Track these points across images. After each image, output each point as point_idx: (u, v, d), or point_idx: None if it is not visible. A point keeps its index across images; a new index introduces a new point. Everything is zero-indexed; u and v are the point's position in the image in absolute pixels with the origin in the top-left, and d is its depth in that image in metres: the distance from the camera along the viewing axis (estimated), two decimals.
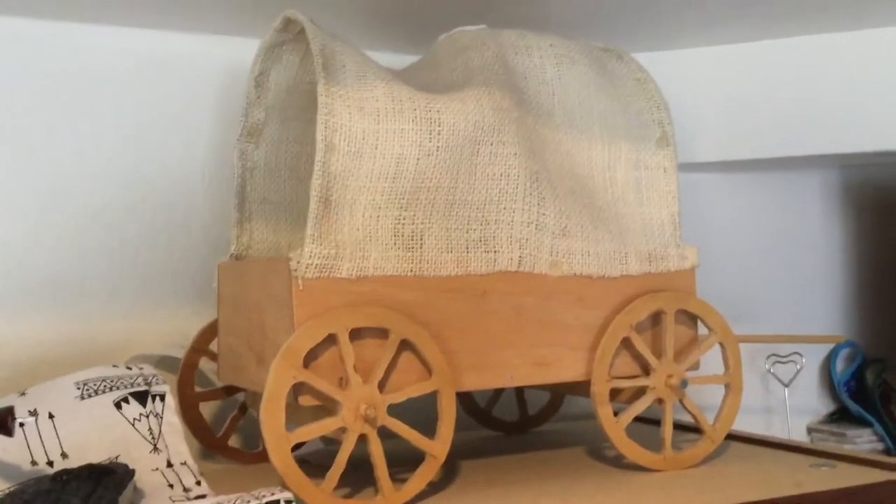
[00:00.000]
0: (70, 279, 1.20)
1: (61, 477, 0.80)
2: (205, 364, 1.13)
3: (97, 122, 1.22)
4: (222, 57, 1.27)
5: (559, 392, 1.29)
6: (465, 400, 1.29)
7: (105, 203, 1.22)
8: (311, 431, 0.86)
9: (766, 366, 1.54)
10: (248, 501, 0.75)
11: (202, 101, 1.27)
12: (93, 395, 0.95)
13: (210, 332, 1.11)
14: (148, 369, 1.01)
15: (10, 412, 0.81)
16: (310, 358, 0.86)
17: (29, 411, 0.90)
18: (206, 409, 1.13)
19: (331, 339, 0.87)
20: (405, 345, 0.90)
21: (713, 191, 1.56)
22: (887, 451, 1.57)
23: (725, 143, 1.47)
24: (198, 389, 1.12)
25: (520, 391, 1.31)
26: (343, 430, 0.87)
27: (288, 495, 0.76)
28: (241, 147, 1.08)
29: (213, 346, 1.11)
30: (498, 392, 1.31)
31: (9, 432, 0.81)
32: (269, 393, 0.84)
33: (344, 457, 0.87)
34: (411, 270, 0.92)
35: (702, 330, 1.07)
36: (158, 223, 1.25)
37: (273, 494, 0.76)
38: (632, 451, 1.02)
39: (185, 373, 1.10)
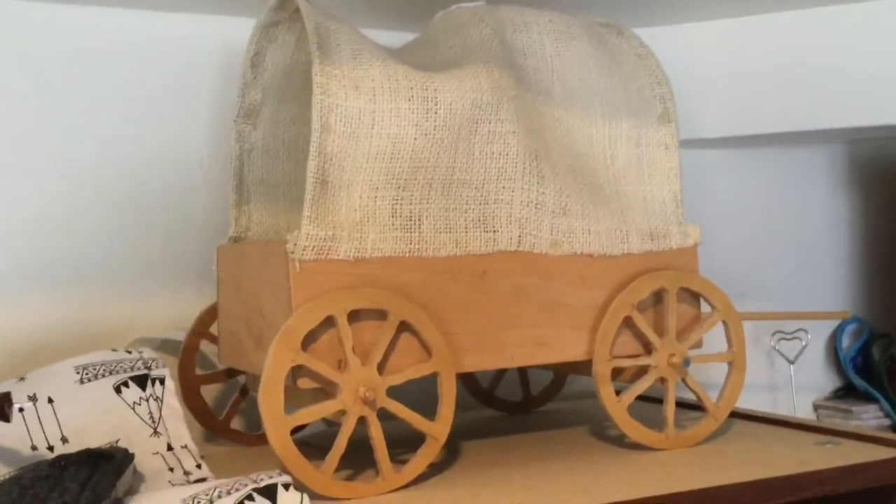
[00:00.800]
0: (69, 263, 1.19)
1: (59, 462, 0.80)
2: (206, 347, 1.12)
3: (93, 105, 1.21)
4: (218, 37, 1.26)
5: (562, 372, 1.28)
6: (468, 380, 1.29)
7: (103, 186, 1.21)
8: (310, 414, 0.86)
9: (772, 343, 1.53)
10: (246, 485, 0.74)
11: (198, 82, 1.26)
12: (92, 379, 0.95)
13: (210, 314, 1.11)
14: (148, 353, 1.01)
15: (7, 398, 0.81)
16: (308, 340, 0.86)
17: (28, 396, 0.90)
18: (208, 392, 1.13)
19: (329, 322, 0.86)
20: (404, 326, 0.89)
21: (717, 167, 1.55)
22: (893, 427, 1.56)
23: (729, 119, 1.45)
24: (199, 372, 1.11)
25: (523, 371, 1.30)
26: (342, 412, 0.86)
27: (286, 479, 0.76)
28: (238, 128, 1.07)
29: (214, 329, 1.10)
30: (501, 372, 1.31)
31: (6, 418, 0.81)
32: (268, 376, 0.83)
33: (343, 439, 0.86)
34: (410, 251, 0.92)
35: (705, 308, 1.06)
36: (157, 206, 1.24)
37: (271, 478, 0.76)
38: (634, 430, 1.01)
39: (186, 356, 1.10)
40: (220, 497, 0.73)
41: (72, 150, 1.20)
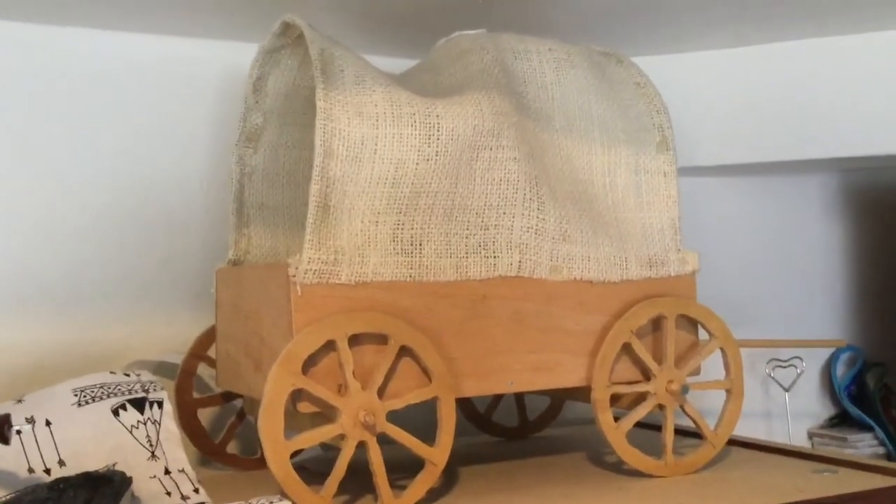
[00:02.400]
0: (67, 285, 1.19)
1: (58, 485, 0.79)
2: (203, 370, 1.12)
3: (95, 127, 1.22)
4: (220, 61, 1.27)
5: (559, 397, 1.28)
6: (465, 405, 1.29)
7: (102, 208, 1.21)
8: (310, 438, 0.85)
9: (767, 370, 1.54)
10: None
11: (200, 105, 1.27)
12: (90, 402, 0.94)
13: (208, 337, 1.11)
14: (146, 376, 1.00)
15: (6, 420, 0.81)
16: (308, 364, 0.86)
17: (26, 418, 0.90)
18: (205, 416, 1.13)
19: (329, 346, 0.86)
20: (404, 351, 0.89)
21: (713, 195, 1.56)
22: (888, 456, 1.56)
23: (725, 147, 1.47)
24: (196, 395, 1.11)
25: (520, 396, 1.30)
26: (342, 436, 0.86)
27: (286, 503, 0.76)
28: (239, 152, 1.08)
29: (212, 352, 1.10)
30: (498, 397, 1.31)
31: (5, 440, 0.80)
32: (268, 399, 0.83)
33: (343, 464, 0.86)
34: (410, 276, 0.92)
35: (702, 335, 1.06)
36: (156, 228, 1.24)
37: (271, 502, 0.75)
38: (633, 456, 1.01)
39: (183, 379, 1.10)
40: None
41: (72, 170, 1.20)
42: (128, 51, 1.23)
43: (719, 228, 1.55)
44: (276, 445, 0.83)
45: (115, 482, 0.81)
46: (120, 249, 1.22)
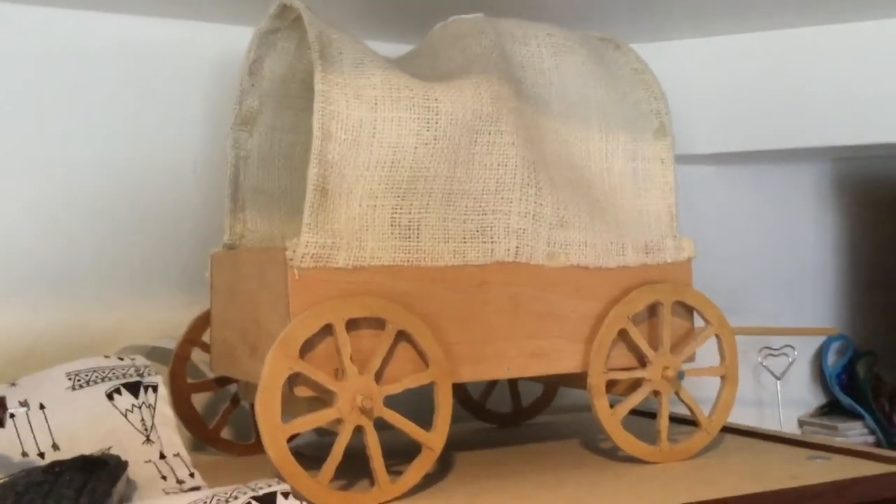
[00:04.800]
0: (60, 269, 1.18)
1: (54, 469, 0.79)
2: (196, 355, 1.12)
3: (88, 110, 1.20)
4: (215, 44, 1.26)
5: (553, 384, 1.28)
6: (459, 392, 1.29)
7: (95, 191, 1.20)
8: (307, 423, 0.85)
9: (759, 358, 1.54)
10: (245, 493, 0.74)
11: (194, 89, 1.26)
12: (84, 385, 0.93)
13: (202, 322, 1.10)
14: (140, 360, 1.00)
15: (1, 403, 0.80)
16: (305, 348, 0.85)
17: (20, 402, 0.89)
18: (198, 401, 1.12)
19: (327, 330, 0.86)
20: (402, 336, 0.89)
21: (706, 183, 1.56)
22: (878, 444, 1.57)
23: (719, 135, 1.47)
24: (190, 381, 1.10)
25: (513, 383, 1.30)
26: (339, 421, 0.86)
27: (285, 487, 0.76)
28: (234, 135, 1.07)
29: (206, 337, 1.10)
30: (492, 384, 1.31)
31: (0, 423, 0.80)
32: (265, 384, 0.83)
33: (340, 448, 0.86)
34: (408, 260, 0.91)
35: (698, 322, 1.07)
36: (150, 212, 1.23)
37: (269, 486, 0.75)
38: (628, 442, 1.01)
39: (177, 364, 1.09)
40: None
41: (65, 153, 1.19)
42: (121, 33, 1.22)
43: (712, 217, 1.55)
44: (274, 429, 0.82)
45: (110, 466, 0.81)
46: (113, 233, 1.21)
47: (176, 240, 1.24)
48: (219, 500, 0.73)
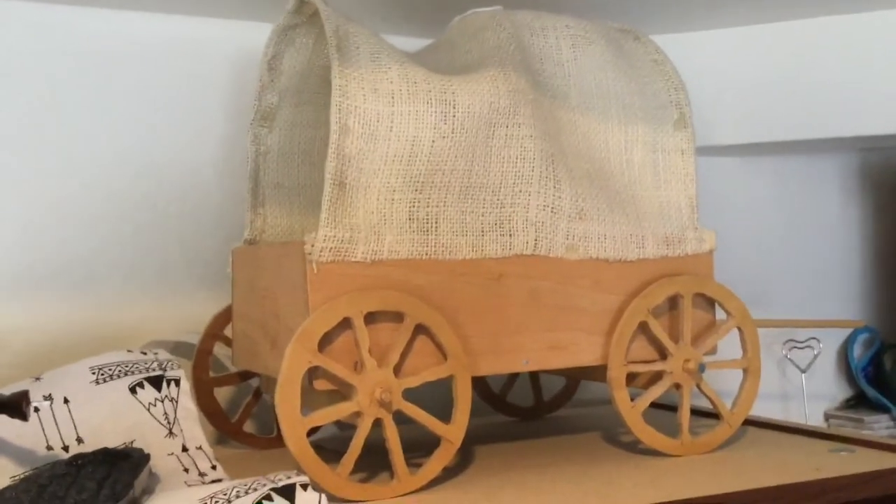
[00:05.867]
0: (83, 266, 1.19)
1: (77, 461, 0.80)
2: (219, 350, 1.12)
3: (110, 107, 1.21)
4: (235, 41, 1.27)
5: (574, 377, 1.28)
6: (480, 385, 1.29)
7: (118, 189, 1.21)
8: (327, 415, 0.86)
9: (784, 351, 1.53)
10: (264, 485, 0.74)
11: (215, 86, 1.27)
12: (108, 380, 0.94)
13: (224, 317, 1.11)
14: (163, 354, 1.01)
15: (24, 396, 0.81)
16: (324, 342, 0.86)
17: (44, 396, 0.90)
18: (221, 395, 1.13)
19: (346, 323, 0.86)
20: (420, 329, 0.89)
21: (730, 174, 1.55)
22: None
23: (742, 126, 1.45)
24: (212, 375, 1.11)
25: (535, 376, 1.30)
26: (358, 414, 0.86)
27: (304, 479, 0.76)
28: (254, 131, 1.08)
29: (228, 332, 1.11)
30: (512, 377, 1.31)
31: (23, 416, 0.81)
32: (284, 377, 0.83)
33: (359, 441, 0.86)
34: (426, 254, 0.92)
35: (719, 314, 1.06)
36: (172, 209, 1.24)
37: (289, 478, 0.75)
38: (648, 435, 1.01)
39: (200, 358, 1.10)
40: (238, 497, 0.73)
41: (88, 151, 1.20)
42: (141, 31, 1.23)
43: (735, 209, 1.54)
44: (293, 422, 0.83)
45: (133, 458, 0.82)
46: (135, 230, 1.23)
47: (198, 236, 1.25)
48: (238, 491, 0.73)
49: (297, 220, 1.11)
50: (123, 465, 0.79)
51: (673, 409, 1.04)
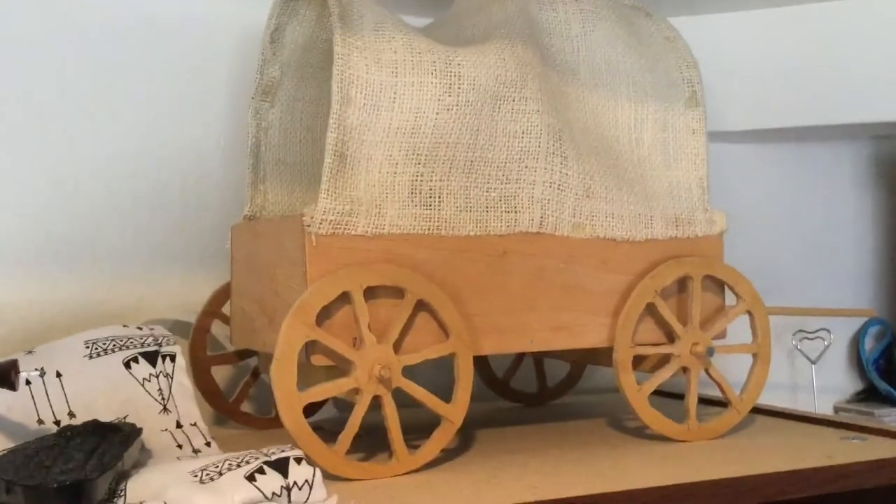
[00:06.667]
0: (81, 243, 1.17)
1: (66, 432, 0.78)
2: (219, 331, 1.11)
3: (111, 84, 1.19)
4: (238, 17, 1.24)
5: (580, 362, 1.26)
6: (484, 370, 1.26)
7: (118, 166, 1.19)
8: (324, 391, 0.84)
9: (794, 342, 1.50)
10: (257, 458, 0.72)
11: (216, 63, 1.24)
12: (102, 354, 0.93)
13: (223, 294, 1.09)
14: (159, 329, 0.99)
15: (14, 365, 0.79)
16: (323, 316, 0.83)
17: (36, 369, 0.88)
18: (219, 375, 1.11)
19: (345, 298, 0.84)
20: (421, 305, 0.87)
21: (742, 161, 1.52)
22: None
23: (755, 112, 1.43)
24: (210, 353, 1.09)
25: (539, 362, 1.28)
26: (356, 391, 0.84)
27: (298, 453, 0.74)
28: (255, 105, 1.06)
29: (226, 309, 1.09)
30: (516, 363, 1.28)
31: (12, 386, 0.79)
32: (281, 351, 0.81)
33: (357, 418, 0.84)
34: (429, 229, 0.89)
35: (730, 298, 1.03)
36: (173, 187, 1.22)
37: (283, 451, 0.73)
38: (655, 420, 0.98)
39: (197, 336, 1.08)
40: (229, 469, 0.71)
41: (88, 128, 1.18)
42: (145, 9, 1.21)
43: (748, 195, 1.51)
44: (289, 397, 0.81)
45: (123, 431, 0.80)
46: (135, 208, 1.20)
47: (198, 214, 1.23)
48: (231, 464, 0.71)
49: (299, 197, 1.09)
50: (113, 437, 0.77)
51: (679, 397, 1.02)
